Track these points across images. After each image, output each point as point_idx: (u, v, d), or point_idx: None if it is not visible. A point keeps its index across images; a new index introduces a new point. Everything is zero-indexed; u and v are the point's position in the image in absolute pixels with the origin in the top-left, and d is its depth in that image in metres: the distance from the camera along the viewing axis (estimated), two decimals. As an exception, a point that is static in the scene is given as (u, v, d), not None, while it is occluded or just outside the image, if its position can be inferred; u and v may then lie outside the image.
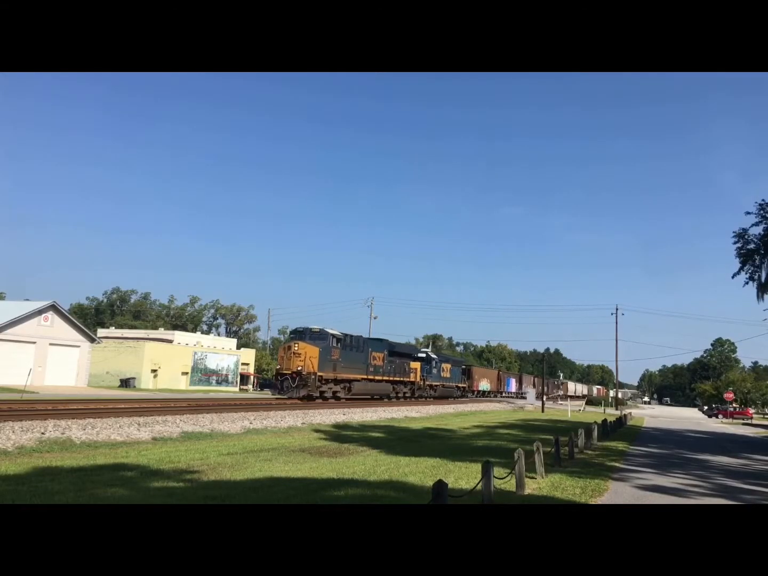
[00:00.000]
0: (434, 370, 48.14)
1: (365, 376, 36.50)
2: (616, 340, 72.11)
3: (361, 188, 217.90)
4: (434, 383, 48.16)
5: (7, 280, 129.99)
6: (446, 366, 51.60)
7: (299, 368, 30.62)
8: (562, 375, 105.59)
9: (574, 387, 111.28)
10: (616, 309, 72.41)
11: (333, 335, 33.25)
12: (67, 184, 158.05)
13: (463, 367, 60.23)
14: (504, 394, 75.91)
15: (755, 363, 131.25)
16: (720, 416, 62.15)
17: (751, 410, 68.30)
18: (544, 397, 53.64)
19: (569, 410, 46.35)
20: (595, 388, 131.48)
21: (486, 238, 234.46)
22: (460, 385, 55.56)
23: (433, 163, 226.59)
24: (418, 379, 44.46)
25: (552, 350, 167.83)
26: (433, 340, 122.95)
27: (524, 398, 71.12)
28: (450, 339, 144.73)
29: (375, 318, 74.19)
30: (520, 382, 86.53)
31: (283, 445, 14.41)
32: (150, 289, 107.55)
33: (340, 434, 18.18)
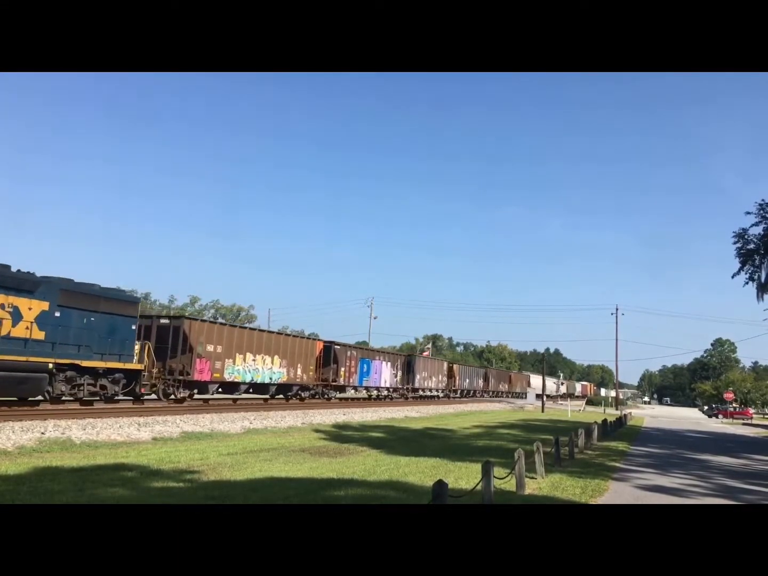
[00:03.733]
0: None
1: None
2: (616, 340, 72.11)
3: (363, 187, 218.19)
4: None
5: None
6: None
7: None
8: (562, 375, 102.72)
9: (549, 384, 77.33)
10: (616, 309, 72.43)
11: None
12: (67, 183, 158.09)
13: (174, 324, 23.94)
14: (354, 390, 39.33)
15: (755, 363, 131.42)
16: (720, 416, 62.18)
17: (751, 410, 68.34)
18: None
19: (569, 410, 46.41)
20: (578, 385, 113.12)
21: (486, 238, 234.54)
22: (124, 365, 19.64)
23: (434, 162, 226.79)
24: None
25: (552, 350, 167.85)
26: (433, 340, 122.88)
27: (524, 398, 71.12)
28: (450, 339, 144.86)
29: (375, 318, 74.31)
30: (407, 370, 45.43)
31: (283, 445, 14.42)
32: (150, 289, 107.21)
33: (340, 434, 18.20)
